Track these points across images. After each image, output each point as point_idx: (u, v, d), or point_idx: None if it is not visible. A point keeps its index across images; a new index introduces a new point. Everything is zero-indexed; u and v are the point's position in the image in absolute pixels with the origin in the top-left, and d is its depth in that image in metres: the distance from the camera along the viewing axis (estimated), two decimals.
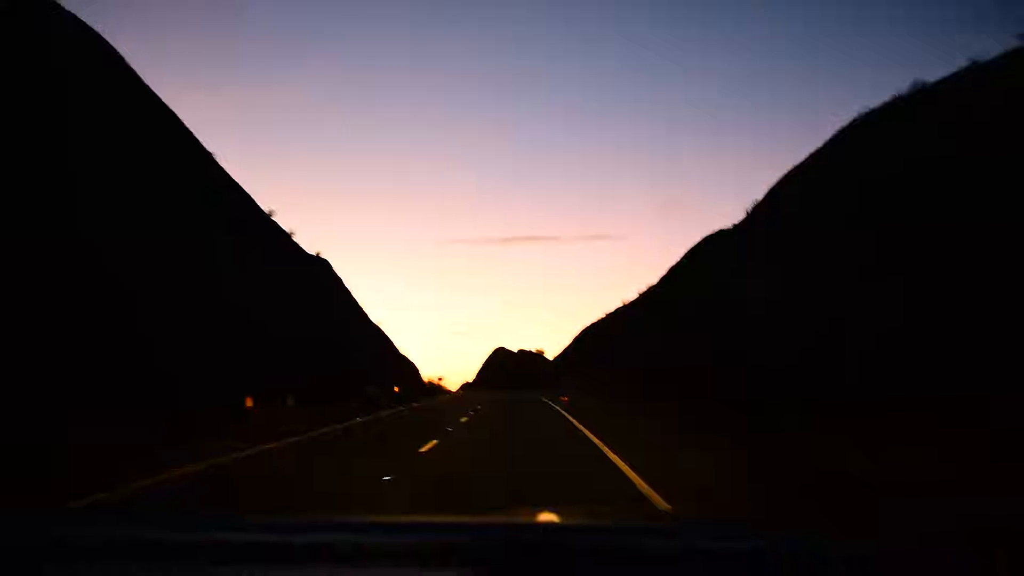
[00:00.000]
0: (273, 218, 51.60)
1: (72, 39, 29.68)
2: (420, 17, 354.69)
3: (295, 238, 56.91)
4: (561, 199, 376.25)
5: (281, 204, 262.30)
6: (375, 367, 67.25)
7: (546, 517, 2.58)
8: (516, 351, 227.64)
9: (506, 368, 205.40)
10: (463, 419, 30.79)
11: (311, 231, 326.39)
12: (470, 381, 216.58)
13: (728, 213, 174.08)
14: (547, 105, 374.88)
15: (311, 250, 61.39)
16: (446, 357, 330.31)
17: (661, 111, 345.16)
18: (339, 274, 70.43)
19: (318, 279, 60.29)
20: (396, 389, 62.75)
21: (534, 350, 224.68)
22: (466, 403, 53.95)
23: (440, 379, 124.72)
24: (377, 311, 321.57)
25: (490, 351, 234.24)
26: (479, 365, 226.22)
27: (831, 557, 1.86)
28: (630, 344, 65.64)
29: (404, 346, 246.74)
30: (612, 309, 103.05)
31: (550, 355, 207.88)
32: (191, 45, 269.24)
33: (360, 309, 78.52)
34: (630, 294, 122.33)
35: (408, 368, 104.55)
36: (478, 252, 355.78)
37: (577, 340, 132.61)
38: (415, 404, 53.46)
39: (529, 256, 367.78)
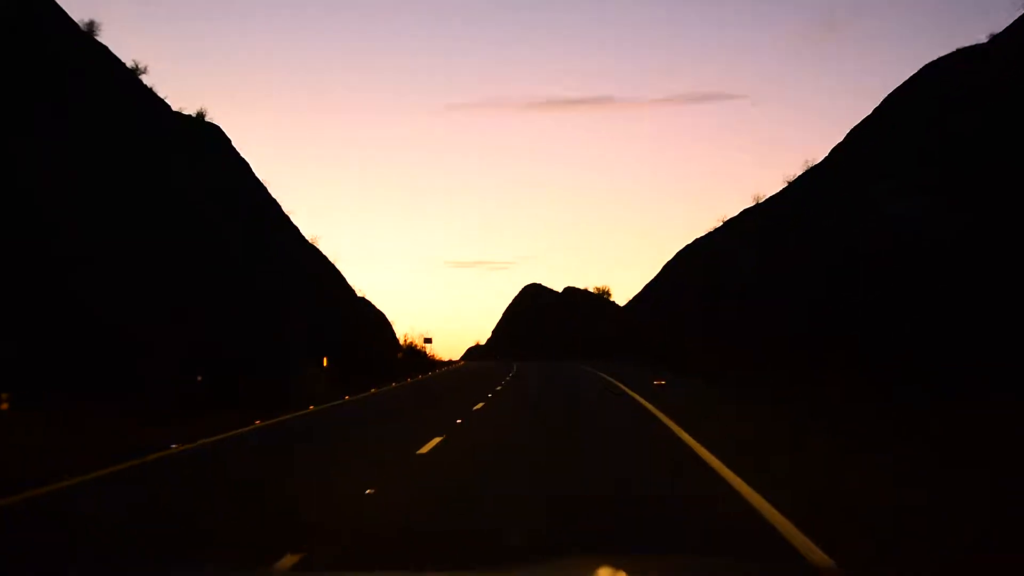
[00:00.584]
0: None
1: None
2: None
3: None
4: (632, 35, 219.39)
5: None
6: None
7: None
8: (561, 290, 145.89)
9: (543, 319, 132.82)
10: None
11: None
12: (481, 343, 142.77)
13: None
14: None
15: None
16: (443, 304, 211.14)
17: None
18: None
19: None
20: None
21: (593, 289, 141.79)
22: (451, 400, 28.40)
23: (424, 343, 78.31)
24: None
25: (517, 291, 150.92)
26: (498, 316, 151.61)
27: None
28: (745, 282, 48.97)
29: (364, 284, 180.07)
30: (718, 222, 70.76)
31: (620, 296, 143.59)
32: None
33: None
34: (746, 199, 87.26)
35: (368, 322, 72.64)
36: (501, 122, 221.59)
37: (670, 268, 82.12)
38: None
39: (582, 130, 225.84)
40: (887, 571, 3.37)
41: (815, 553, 6.07)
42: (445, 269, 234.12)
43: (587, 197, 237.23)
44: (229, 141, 49.89)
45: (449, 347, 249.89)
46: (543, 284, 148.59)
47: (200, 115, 47.34)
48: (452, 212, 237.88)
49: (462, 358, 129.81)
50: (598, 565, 1.94)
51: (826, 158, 49.06)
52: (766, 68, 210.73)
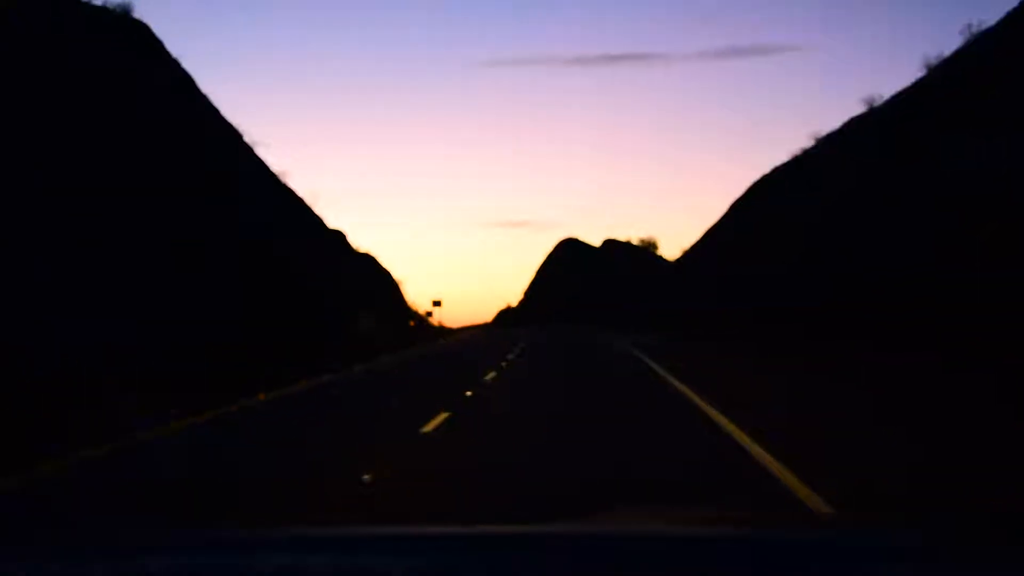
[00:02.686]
0: None
1: None
2: None
3: None
4: None
5: None
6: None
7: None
8: (599, 244, 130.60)
9: (579, 278, 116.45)
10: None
11: None
12: (513, 306, 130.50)
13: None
14: None
15: None
16: (474, 266, 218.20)
17: None
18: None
19: None
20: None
21: (636, 241, 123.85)
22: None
23: (431, 310, 70.83)
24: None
25: (552, 246, 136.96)
26: (531, 275, 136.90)
27: None
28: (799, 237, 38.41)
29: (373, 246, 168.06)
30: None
31: (668, 250, 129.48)
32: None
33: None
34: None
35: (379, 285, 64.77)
36: (537, 80, 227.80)
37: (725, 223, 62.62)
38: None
39: (622, 86, 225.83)
40: (884, 518, 2.79)
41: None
42: (478, 230, 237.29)
43: (626, 155, 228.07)
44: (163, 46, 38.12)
45: (479, 310, 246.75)
46: (579, 239, 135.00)
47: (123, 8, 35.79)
48: (488, 172, 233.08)
49: (492, 322, 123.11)
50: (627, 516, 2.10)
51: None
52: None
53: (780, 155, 68.50)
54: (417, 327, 57.06)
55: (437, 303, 69.21)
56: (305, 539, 1.77)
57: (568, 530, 1.89)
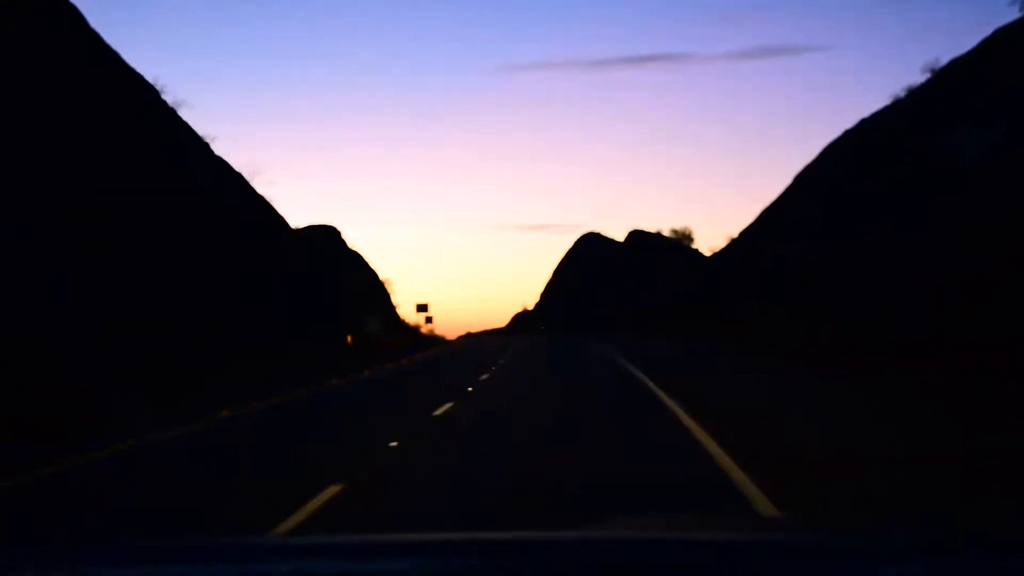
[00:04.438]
0: None
1: None
2: None
3: None
4: None
5: None
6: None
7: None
8: (624, 237, 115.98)
9: (601, 277, 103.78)
10: None
11: None
12: (529, 309, 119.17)
13: None
14: None
15: None
16: (490, 269, 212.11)
17: None
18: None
19: None
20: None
21: (668, 232, 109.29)
22: None
23: (423, 320, 61.64)
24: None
25: (572, 242, 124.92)
26: (548, 275, 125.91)
27: None
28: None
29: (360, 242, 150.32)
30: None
31: (705, 244, 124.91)
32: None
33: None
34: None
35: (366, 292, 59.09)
36: (557, 84, 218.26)
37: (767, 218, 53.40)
38: None
39: (646, 88, 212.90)
40: (829, 520, 3.22)
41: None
42: (496, 232, 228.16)
43: (651, 156, 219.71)
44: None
45: (496, 314, 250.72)
46: (602, 233, 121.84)
47: None
48: (509, 175, 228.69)
49: (507, 327, 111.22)
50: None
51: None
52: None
53: (813, 152, 57.17)
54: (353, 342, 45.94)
55: (422, 308, 58.01)
56: (309, 546, 1.84)
57: (570, 536, 1.91)
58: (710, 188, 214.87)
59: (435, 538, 1.86)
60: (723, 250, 64.14)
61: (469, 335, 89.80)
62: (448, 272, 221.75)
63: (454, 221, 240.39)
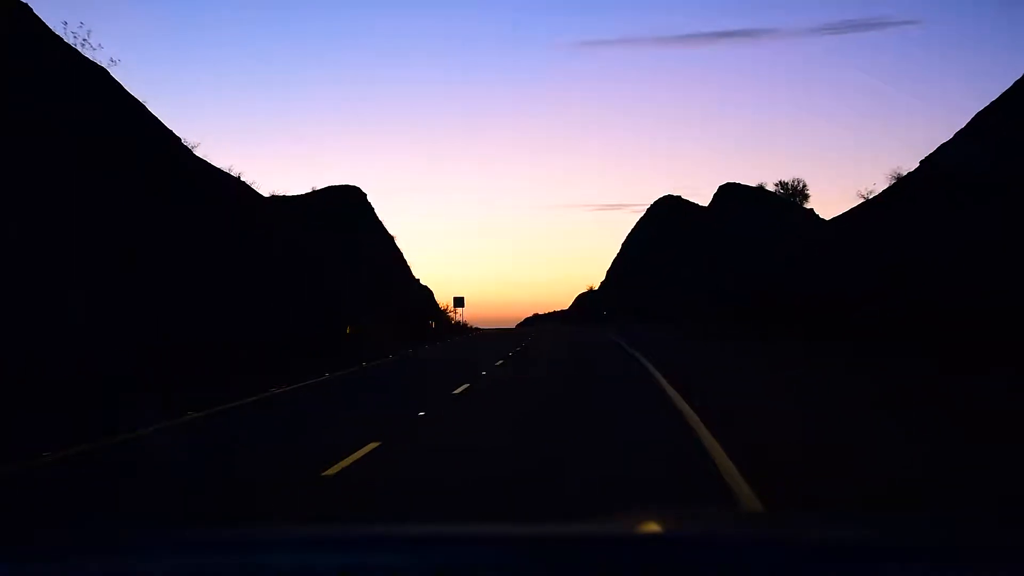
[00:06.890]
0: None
1: None
2: None
3: None
4: None
5: None
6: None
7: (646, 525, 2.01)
8: (708, 202, 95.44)
9: (681, 250, 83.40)
10: None
11: None
12: (595, 288, 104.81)
13: None
14: None
15: None
16: (557, 248, 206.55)
17: None
18: None
19: None
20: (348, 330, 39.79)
21: (773, 186, 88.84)
22: None
23: (453, 310, 68.81)
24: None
25: (648, 205, 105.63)
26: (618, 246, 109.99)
27: None
28: None
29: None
30: None
31: (822, 206, 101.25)
32: None
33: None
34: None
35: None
36: (635, 61, 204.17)
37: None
38: None
39: (728, 64, 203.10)
40: (812, 515, 3.30)
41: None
42: (570, 212, 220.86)
43: (734, 132, 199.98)
44: None
45: (561, 294, 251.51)
46: (683, 196, 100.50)
47: None
48: (584, 155, 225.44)
49: (568, 310, 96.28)
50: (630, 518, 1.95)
51: None
52: None
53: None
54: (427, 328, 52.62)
55: (459, 301, 67.14)
56: (310, 539, 1.84)
57: (573, 531, 1.91)
58: (808, 167, 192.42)
59: (433, 531, 1.91)
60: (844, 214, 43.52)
61: (536, 316, 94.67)
62: (516, 253, 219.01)
63: (519, 202, 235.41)
